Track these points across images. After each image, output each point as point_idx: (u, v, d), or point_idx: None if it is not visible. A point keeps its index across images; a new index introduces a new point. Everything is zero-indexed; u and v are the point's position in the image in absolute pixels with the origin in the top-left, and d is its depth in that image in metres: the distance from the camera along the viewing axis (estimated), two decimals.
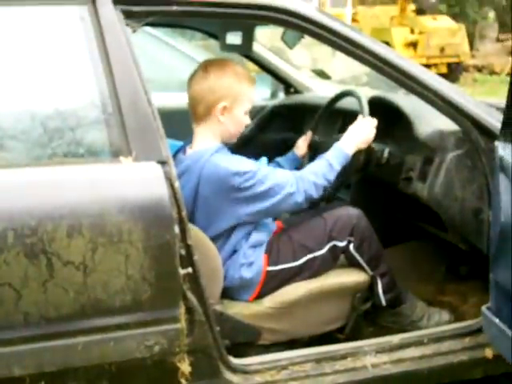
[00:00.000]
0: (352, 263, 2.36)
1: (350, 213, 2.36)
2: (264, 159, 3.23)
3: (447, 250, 2.80)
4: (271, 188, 2.15)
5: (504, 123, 2.05)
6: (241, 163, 2.16)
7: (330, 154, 2.30)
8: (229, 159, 2.17)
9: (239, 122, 2.28)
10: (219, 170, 2.13)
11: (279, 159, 2.70)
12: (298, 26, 2.13)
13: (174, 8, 1.98)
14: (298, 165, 2.73)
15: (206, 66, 2.25)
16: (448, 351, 2.25)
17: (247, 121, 2.31)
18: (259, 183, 2.14)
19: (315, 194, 2.22)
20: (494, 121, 2.19)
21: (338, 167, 2.27)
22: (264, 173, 2.17)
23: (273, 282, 2.26)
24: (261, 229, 2.29)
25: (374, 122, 2.41)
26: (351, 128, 2.39)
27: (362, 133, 2.38)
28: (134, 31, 1.95)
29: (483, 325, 2.17)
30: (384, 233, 2.44)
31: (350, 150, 2.33)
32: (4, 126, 1.83)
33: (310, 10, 2.14)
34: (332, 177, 2.26)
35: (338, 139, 2.42)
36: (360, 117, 2.43)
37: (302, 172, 2.25)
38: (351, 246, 2.32)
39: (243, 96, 2.25)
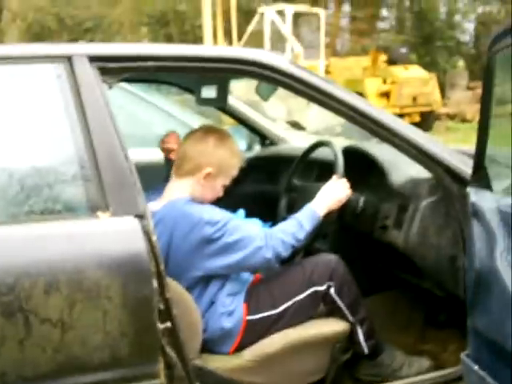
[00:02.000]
0: (332, 309, 2.36)
1: (327, 258, 2.40)
2: (241, 212, 3.25)
3: (425, 299, 2.81)
4: (241, 240, 2.18)
5: (474, 169, 2.10)
6: (213, 212, 2.20)
7: (301, 214, 2.34)
8: (202, 208, 2.21)
9: (215, 191, 2.36)
10: (193, 218, 2.16)
11: None
12: (271, 78, 2.16)
13: (149, 63, 2.01)
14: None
15: (207, 132, 2.35)
16: None
17: (220, 194, 2.39)
18: (229, 233, 2.16)
19: (283, 251, 2.23)
20: (466, 167, 2.22)
21: (308, 228, 2.30)
22: (234, 224, 2.19)
23: (253, 332, 2.25)
24: (235, 278, 2.30)
25: (346, 184, 2.45)
26: (323, 189, 2.43)
27: (334, 195, 2.41)
28: (111, 87, 1.98)
29: (463, 372, 2.17)
30: (362, 282, 2.45)
31: (322, 212, 2.37)
32: None
33: (283, 62, 2.17)
34: (302, 236, 2.28)
35: (316, 187, 2.45)
36: (334, 177, 2.47)
37: (272, 229, 2.28)
38: (332, 290, 2.33)
39: (229, 171, 2.36)
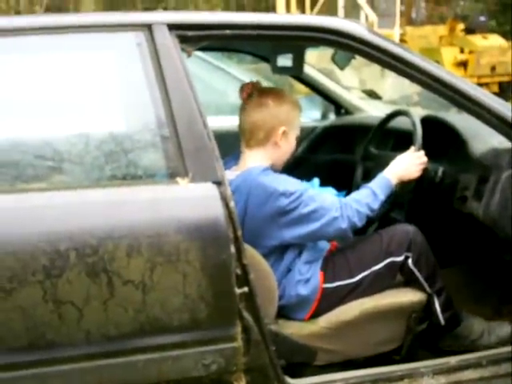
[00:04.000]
0: (409, 280, 2.34)
1: (405, 228, 2.37)
2: (316, 180, 3.24)
3: (503, 272, 2.75)
4: (316, 210, 2.17)
5: None
6: (288, 183, 2.20)
7: (374, 183, 2.32)
8: (276, 179, 2.21)
9: (292, 146, 2.38)
10: (267, 189, 2.17)
11: None
12: (349, 46, 2.14)
13: (227, 32, 2.01)
14: None
15: (261, 95, 2.33)
16: (507, 373, 2.21)
17: (294, 146, 2.40)
18: (304, 204, 2.16)
19: (358, 222, 2.22)
20: None
21: (382, 197, 2.28)
22: (310, 194, 2.19)
23: (329, 300, 2.26)
24: (312, 247, 2.30)
25: (424, 158, 2.42)
26: (398, 158, 2.41)
27: (408, 167, 2.39)
28: (189, 56, 2.00)
29: None
30: (439, 252, 2.42)
31: (394, 181, 2.35)
32: (68, 150, 1.88)
33: (361, 30, 2.14)
34: (376, 206, 2.26)
35: (393, 156, 2.43)
36: (411, 149, 2.44)
37: (347, 199, 2.26)
38: (409, 261, 2.31)
39: (297, 122, 2.37)
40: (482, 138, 2.42)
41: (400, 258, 2.31)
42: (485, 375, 2.19)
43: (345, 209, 2.20)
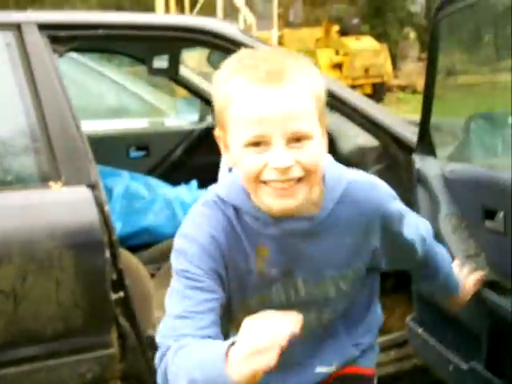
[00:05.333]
0: None
1: None
2: (194, 183, 3.26)
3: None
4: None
5: (419, 136, 2.15)
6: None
7: (212, 365, 1.11)
8: (192, 220, 1.32)
9: (239, 160, 1.23)
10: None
11: None
12: (222, 47, 2.16)
13: (100, 32, 2.00)
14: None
15: None
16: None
17: (254, 161, 1.18)
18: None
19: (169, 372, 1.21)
20: (412, 136, 2.25)
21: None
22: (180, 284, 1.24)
23: None
24: None
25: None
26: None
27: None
28: (61, 56, 1.96)
29: (408, 336, 2.22)
30: None
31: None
32: None
33: (233, 30, 2.19)
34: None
35: None
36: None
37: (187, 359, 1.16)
38: None
39: (231, 117, 1.21)
40: (350, 137, 2.51)
41: None
42: None
43: (171, 359, 1.16)
